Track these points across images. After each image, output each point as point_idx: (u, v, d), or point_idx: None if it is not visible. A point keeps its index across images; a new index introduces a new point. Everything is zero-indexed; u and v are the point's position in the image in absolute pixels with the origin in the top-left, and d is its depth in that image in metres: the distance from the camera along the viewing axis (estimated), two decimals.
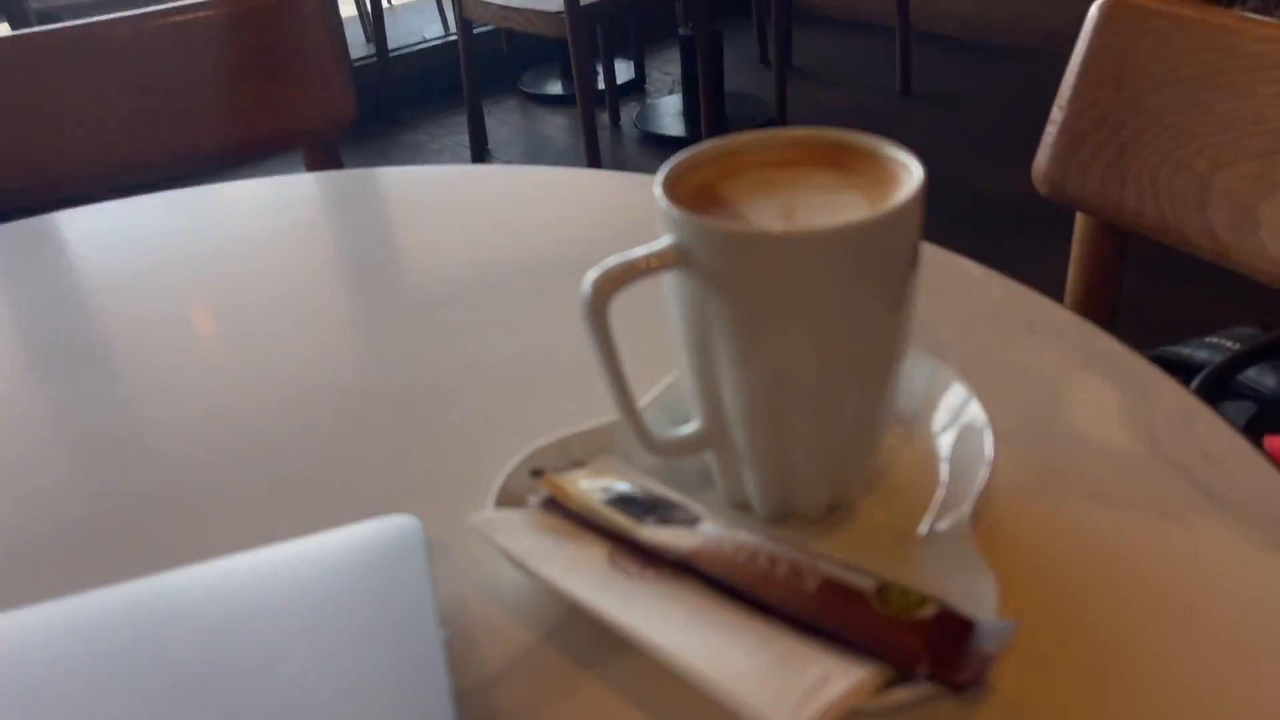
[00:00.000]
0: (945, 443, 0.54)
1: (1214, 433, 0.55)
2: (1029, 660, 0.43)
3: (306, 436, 0.62)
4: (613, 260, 0.44)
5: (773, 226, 0.43)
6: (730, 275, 0.43)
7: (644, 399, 0.56)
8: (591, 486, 0.52)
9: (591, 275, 0.44)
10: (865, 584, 0.44)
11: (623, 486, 0.52)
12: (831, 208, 0.45)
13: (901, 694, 0.40)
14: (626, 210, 0.87)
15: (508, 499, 0.52)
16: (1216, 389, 0.95)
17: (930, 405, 0.55)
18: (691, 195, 0.47)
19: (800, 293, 0.43)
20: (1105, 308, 1.25)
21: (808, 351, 0.45)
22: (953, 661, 0.40)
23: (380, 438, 0.61)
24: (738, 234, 0.42)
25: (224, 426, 0.64)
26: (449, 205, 0.93)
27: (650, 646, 0.42)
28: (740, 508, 0.53)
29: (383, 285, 0.80)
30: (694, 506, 0.51)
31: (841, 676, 0.40)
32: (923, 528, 0.50)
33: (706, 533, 0.48)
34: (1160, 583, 0.47)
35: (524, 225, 0.87)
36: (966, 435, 0.53)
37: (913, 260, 0.46)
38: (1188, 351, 1.03)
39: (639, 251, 0.44)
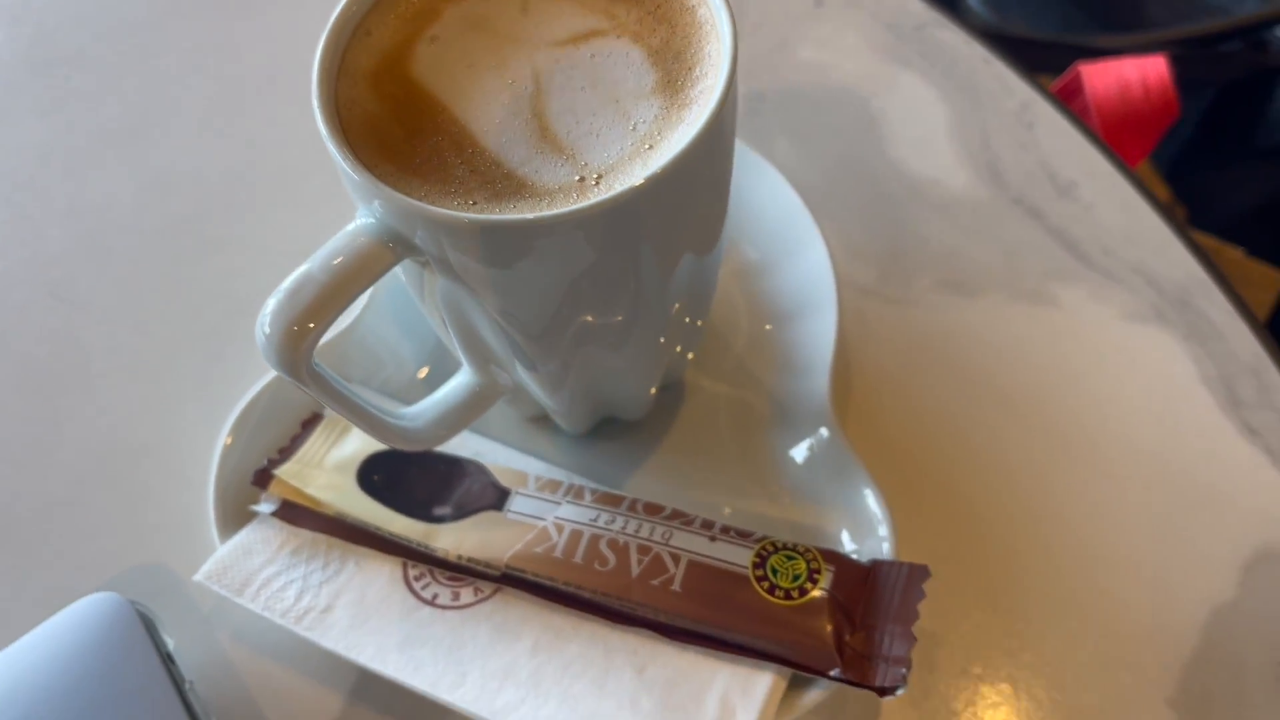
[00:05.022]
0: (770, 263, 0.42)
1: (1057, 141, 0.46)
2: (914, 515, 0.37)
3: None
4: (298, 282, 0.27)
5: (534, 211, 0.26)
6: (482, 265, 0.28)
7: (360, 299, 0.41)
8: (339, 461, 0.38)
9: (273, 316, 0.27)
10: (740, 559, 0.35)
11: (381, 446, 0.39)
12: (602, 91, 0.29)
13: (815, 696, 0.34)
14: None
15: (232, 515, 0.38)
16: None
17: (741, 210, 0.42)
18: (371, 92, 0.29)
19: (589, 259, 0.28)
20: None
21: (607, 292, 0.31)
22: (866, 649, 0.33)
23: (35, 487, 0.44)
24: (485, 226, 0.26)
25: None
26: None
27: None
28: (539, 420, 0.41)
29: None
30: (486, 459, 0.39)
31: (744, 701, 0.33)
32: (769, 393, 0.40)
33: (521, 518, 0.37)
34: (1039, 392, 0.40)
35: None
36: (795, 249, 0.41)
37: (733, 137, 0.31)
38: None
39: (335, 256, 0.27)
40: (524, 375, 0.34)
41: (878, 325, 0.42)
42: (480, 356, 0.34)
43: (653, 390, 0.39)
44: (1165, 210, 0.43)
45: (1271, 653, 0.35)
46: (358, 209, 0.28)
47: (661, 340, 0.36)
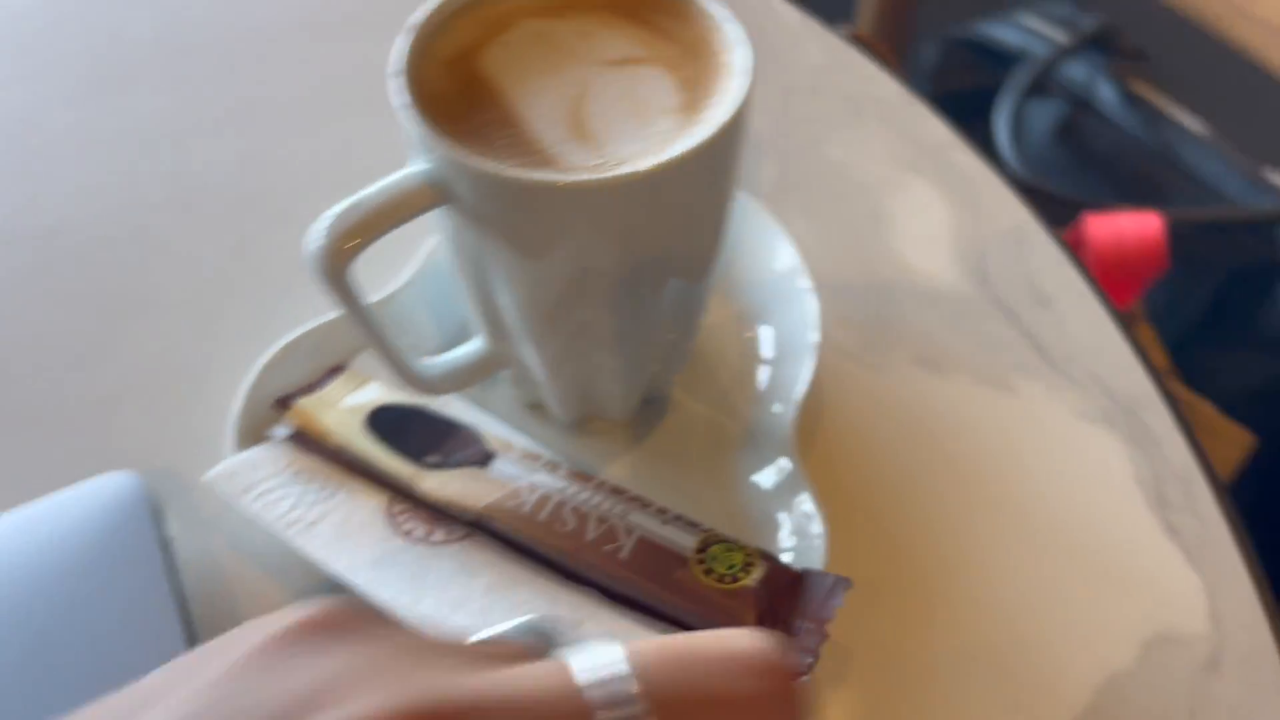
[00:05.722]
0: (766, 308, 0.47)
1: (1044, 261, 0.51)
2: (854, 548, 0.41)
3: None
4: (351, 204, 0.33)
5: (560, 175, 0.32)
6: (507, 222, 0.33)
7: (403, 273, 0.46)
8: (352, 406, 0.43)
9: (323, 229, 0.32)
10: (685, 543, 0.39)
11: (392, 399, 0.44)
12: (633, 102, 0.34)
13: None
14: None
15: (249, 436, 0.42)
16: (1028, 87, 0.90)
17: (749, 262, 0.48)
18: (444, 74, 0.35)
19: (597, 239, 0.33)
20: None
21: (607, 286, 0.36)
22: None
23: (64, 340, 0.49)
24: (515, 182, 0.31)
25: None
26: None
27: None
28: (535, 409, 0.46)
29: (40, 79, 0.62)
30: (481, 428, 0.44)
31: None
32: (745, 421, 0.45)
33: (501, 477, 0.41)
34: (983, 466, 0.44)
35: None
36: (789, 303, 0.46)
37: (739, 168, 0.36)
38: (999, 34, 0.96)
39: (387, 188, 0.33)
40: (526, 351, 0.39)
41: (852, 385, 0.46)
42: (493, 323, 0.39)
43: (638, 396, 0.44)
44: (1130, 335, 0.48)
45: None
46: (411, 159, 0.34)
47: (648, 346, 0.41)
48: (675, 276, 0.39)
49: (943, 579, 0.41)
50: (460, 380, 0.40)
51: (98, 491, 0.41)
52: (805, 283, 0.46)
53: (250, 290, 0.50)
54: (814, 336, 0.44)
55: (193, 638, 0.38)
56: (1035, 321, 0.48)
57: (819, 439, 0.45)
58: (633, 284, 0.37)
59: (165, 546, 0.40)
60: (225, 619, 0.40)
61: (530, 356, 0.40)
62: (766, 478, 0.42)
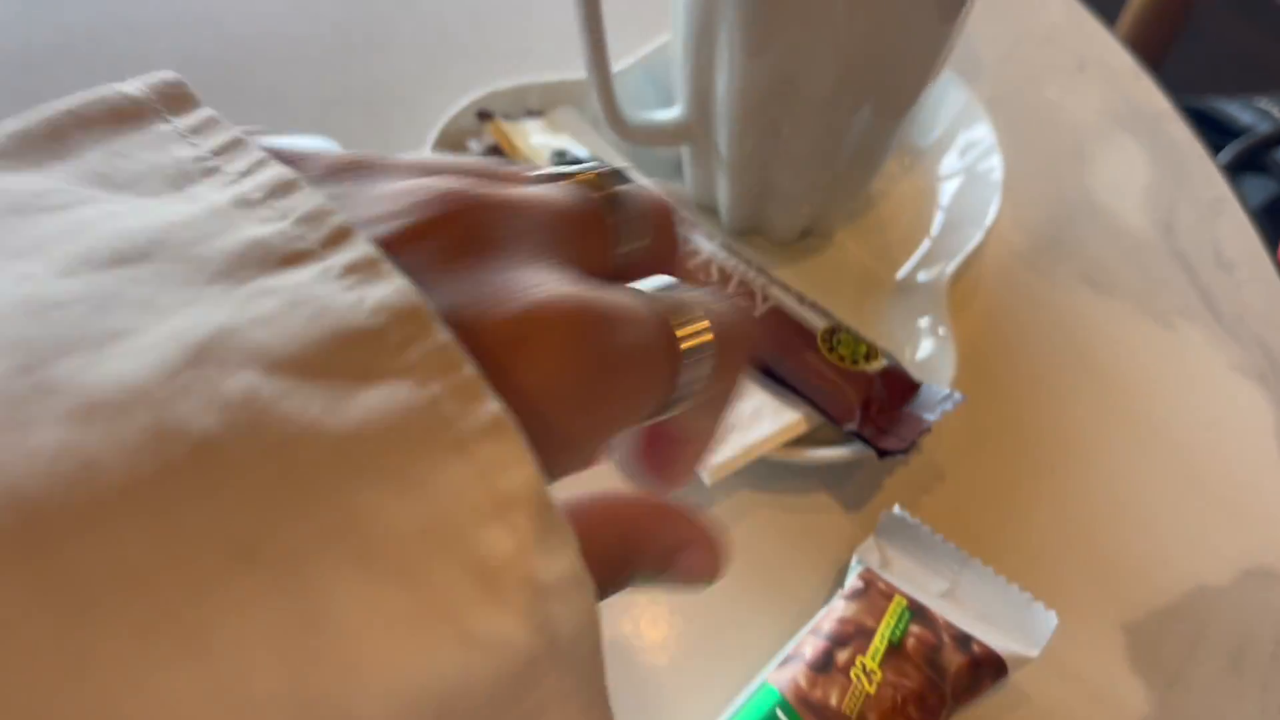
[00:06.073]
0: (949, 187, 0.48)
1: (1235, 233, 0.50)
2: (967, 430, 0.41)
3: (216, 48, 0.54)
4: None
5: None
6: None
7: (622, 62, 0.49)
8: (543, 144, 0.46)
9: None
10: (816, 322, 0.40)
11: (578, 151, 0.46)
12: None
13: (825, 454, 0.37)
14: None
15: (447, 141, 0.45)
16: (1245, 161, 0.88)
17: (945, 138, 0.49)
18: None
19: (829, 16, 0.35)
20: (1166, 33, 1.14)
21: (826, 62, 0.37)
22: (884, 424, 0.37)
23: (311, 45, 0.53)
24: None
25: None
26: None
27: None
28: (705, 211, 0.47)
29: None
30: None
31: (772, 415, 0.37)
32: (899, 274, 0.45)
33: None
34: (1123, 382, 0.44)
35: None
36: (974, 185, 0.47)
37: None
38: (1232, 110, 0.95)
39: None
40: (719, 138, 0.41)
41: (1013, 281, 0.46)
42: (698, 99, 0.41)
43: (802, 222, 0.45)
44: None
45: (1230, 638, 0.36)
46: None
47: (826, 172, 0.42)
48: (874, 101, 0.40)
49: (1064, 461, 0.41)
50: (651, 134, 0.42)
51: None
52: (995, 161, 0.47)
53: (480, 55, 0.53)
54: (992, 213, 0.45)
55: None
56: (1211, 279, 0.48)
57: (969, 315, 0.45)
58: (835, 98, 0.39)
59: None
60: None
61: (720, 145, 0.42)
62: (907, 324, 0.43)
